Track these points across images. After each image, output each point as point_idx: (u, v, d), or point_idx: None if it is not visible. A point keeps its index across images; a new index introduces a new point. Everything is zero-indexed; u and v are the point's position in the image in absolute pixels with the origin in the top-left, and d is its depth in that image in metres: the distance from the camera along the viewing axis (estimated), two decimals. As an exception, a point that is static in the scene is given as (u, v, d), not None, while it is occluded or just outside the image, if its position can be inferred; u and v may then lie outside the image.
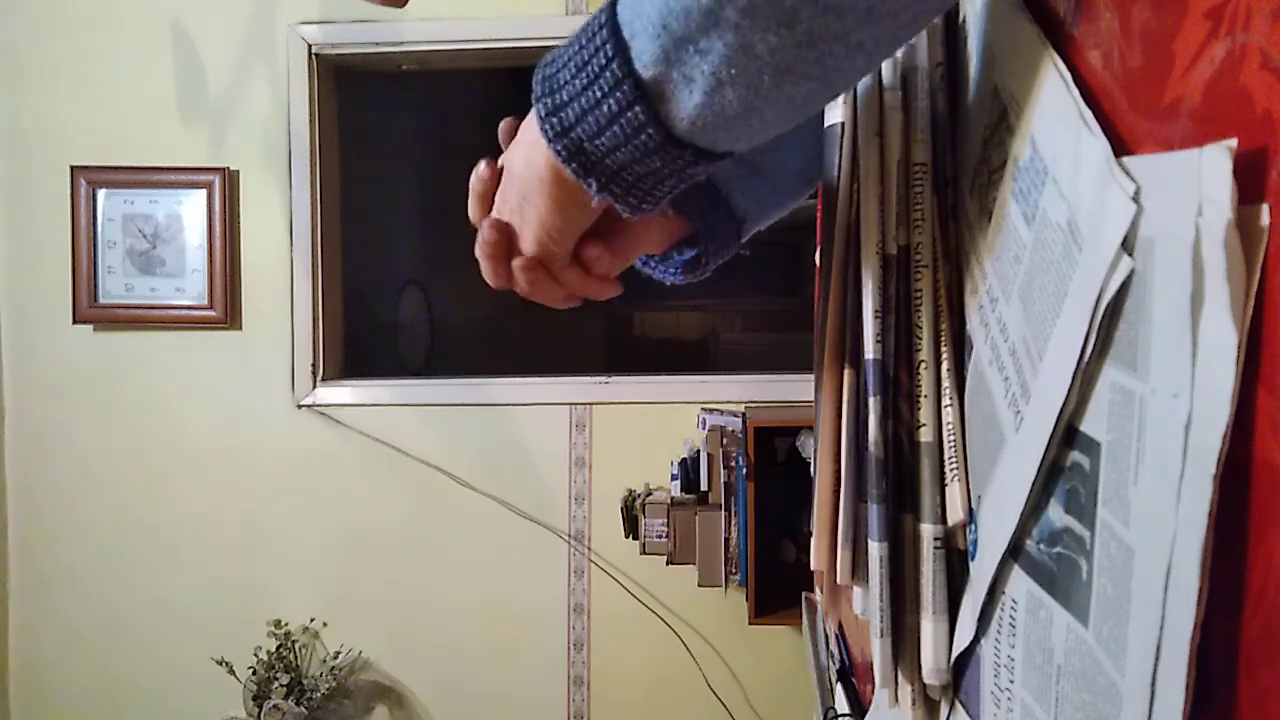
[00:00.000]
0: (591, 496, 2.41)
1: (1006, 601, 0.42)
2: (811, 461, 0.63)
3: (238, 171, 2.43)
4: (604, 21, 0.37)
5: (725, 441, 2.17)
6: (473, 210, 0.50)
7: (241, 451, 2.46)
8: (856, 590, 0.55)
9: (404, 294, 3.44)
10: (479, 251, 0.50)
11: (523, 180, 0.44)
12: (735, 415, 2.25)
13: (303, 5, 2.40)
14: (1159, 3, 0.31)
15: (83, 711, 2.52)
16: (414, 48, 2.41)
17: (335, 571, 2.47)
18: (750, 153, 0.61)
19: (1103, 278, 0.30)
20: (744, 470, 2.08)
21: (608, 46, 0.36)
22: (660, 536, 2.20)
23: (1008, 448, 0.40)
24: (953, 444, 0.47)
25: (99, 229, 2.42)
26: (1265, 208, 0.25)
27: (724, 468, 2.16)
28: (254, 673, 2.33)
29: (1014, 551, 0.40)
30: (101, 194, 2.42)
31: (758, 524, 2.07)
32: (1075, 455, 0.34)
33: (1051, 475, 0.36)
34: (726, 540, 2.14)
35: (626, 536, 2.30)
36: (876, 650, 0.51)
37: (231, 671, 2.32)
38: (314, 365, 2.44)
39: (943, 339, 0.48)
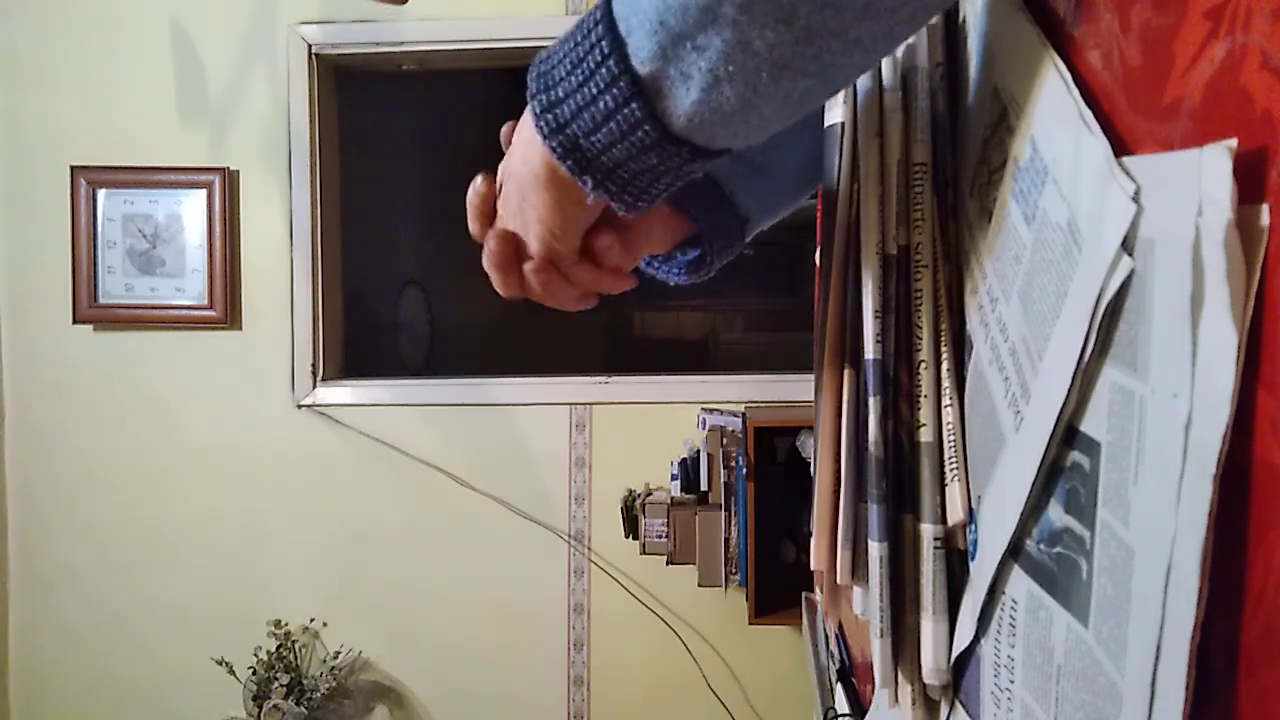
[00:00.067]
0: (591, 496, 2.41)
1: (1006, 601, 0.42)
2: (811, 461, 0.63)
3: (238, 171, 2.43)
4: (600, 18, 0.36)
5: (725, 441, 2.17)
6: (473, 226, 0.50)
7: (241, 451, 2.46)
8: (856, 590, 0.55)
9: (404, 294, 3.44)
10: (487, 263, 0.50)
11: (521, 180, 0.44)
12: (735, 415, 2.25)
13: (303, 5, 2.40)
14: (1159, 3, 0.31)
15: (83, 711, 2.52)
16: (414, 48, 2.41)
17: (335, 571, 2.47)
18: (753, 151, 0.61)
19: (1103, 278, 0.30)
20: (744, 470, 2.08)
21: (604, 43, 0.36)
22: (660, 536, 2.20)
23: (1008, 448, 0.40)
24: (953, 444, 0.47)
25: (99, 229, 2.42)
26: (1265, 208, 0.25)
27: (724, 468, 2.16)
28: (254, 673, 2.33)
29: (1014, 551, 0.40)
30: (101, 194, 2.42)
31: (758, 524, 2.07)
32: (1075, 455, 0.34)
33: (1051, 475, 0.36)
34: (726, 540, 2.14)
35: (626, 536, 2.30)
36: (876, 650, 0.51)
37: (231, 671, 2.33)
38: (314, 365, 2.44)
39: (943, 339, 0.48)
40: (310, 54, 2.40)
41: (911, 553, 0.49)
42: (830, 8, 0.32)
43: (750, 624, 2.13)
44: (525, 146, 0.43)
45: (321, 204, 2.44)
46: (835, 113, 0.54)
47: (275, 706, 2.24)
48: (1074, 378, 0.33)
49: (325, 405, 2.44)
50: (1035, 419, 0.37)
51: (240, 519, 2.47)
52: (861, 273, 0.50)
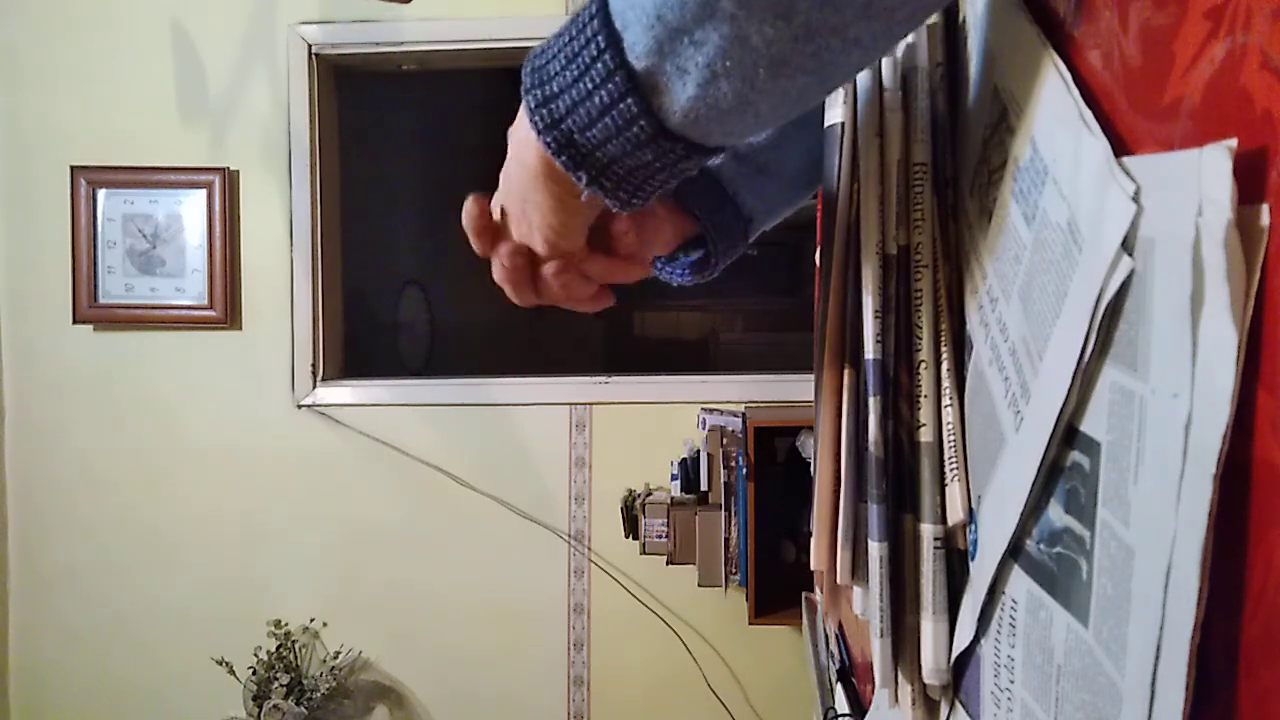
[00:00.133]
0: (591, 496, 2.41)
1: (1006, 601, 0.42)
2: (811, 461, 0.63)
3: (238, 171, 2.43)
4: (595, 12, 0.36)
5: (725, 441, 2.17)
6: (476, 246, 0.50)
7: (241, 451, 2.46)
8: (856, 590, 0.55)
9: (404, 294, 3.44)
10: (500, 279, 0.50)
11: (519, 181, 0.44)
12: (735, 415, 2.25)
13: (303, 5, 2.40)
14: (1159, 3, 0.31)
15: (83, 711, 2.52)
16: (414, 48, 2.41)
17: (335, 571, 2.47)
18: (755, 151, 0.61)
19: (1103, 278, 0.30)
20: (744, 470, 2.08)
21: (599, 38, 0.36)
22: (660, 536, 2.20)
23: (1008, 448, 0.40)
24: (953, 444, 0.47)
25: (99, 229, 2.42)
26: (1265, 208, 0.25)
27: (724, 468, 2.16)
28: (254, 673, 2.33)
29: (1014, 551, 0.40)
30: (101, 194, 2.42)
31: (758, 524, 2.07)
32: (1075, 455, 0.34)
33: (1051, 475, 0.36)
34: (726, 540, 2.14)
35: (626, 536, 2.30)
36: (876, 650, 0.51)
37: (231, 671, 2.33)
38: (314, 365, 2.44)
39: (943, 339, 0.48)
40: (310, 54, 2.40)
41: (911, 553, 0.49)
42: (830, 5, 0.32)
43: (750, 624, 2.13)
44: (521, 146, 0.42)
45: (321, 204, 2.44)
46: (835, 112, 0.54)
47: (275, 706, 2.24)
48: (1074, 378, 0.33)
49: (325, 405, 2.44)
50: (1035, 419, 0.37)
51: (240, 519, 2.47)
52: (861, 273, 0.50)
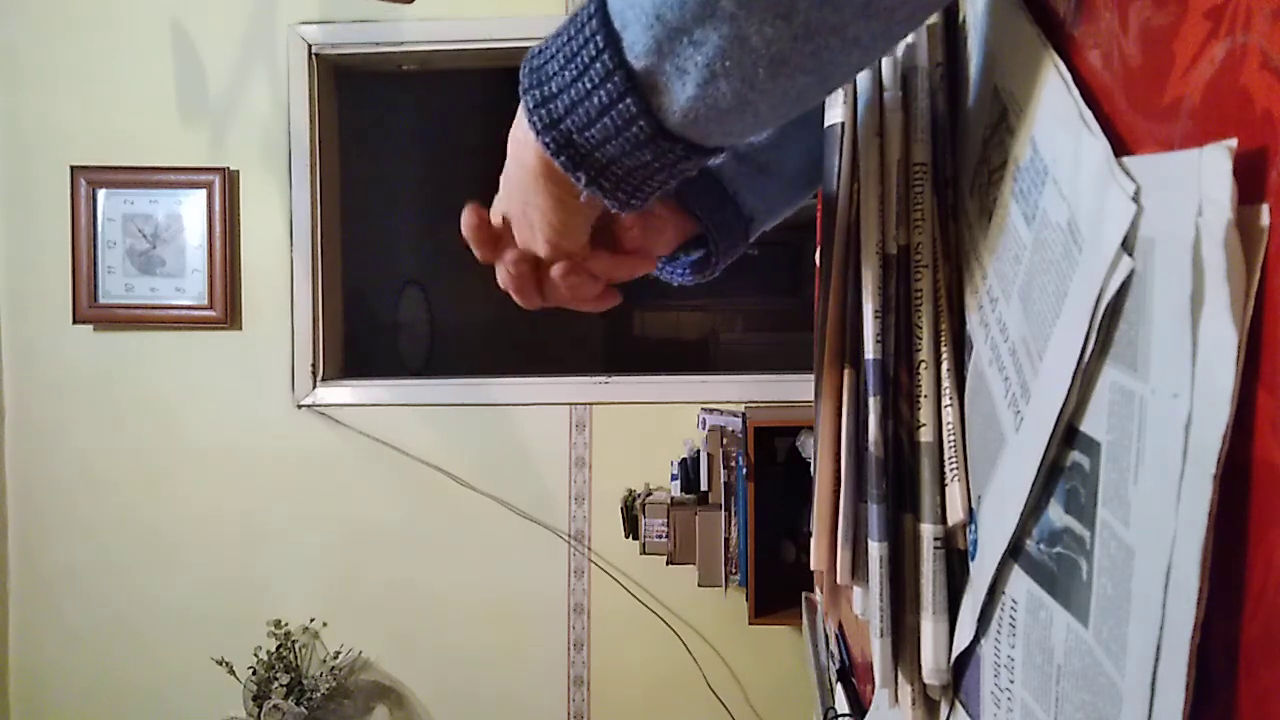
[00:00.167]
0: (591, 496, 2.41)
1: (1006, 601, 0.42)
2: (811, 461, 0.63)
3: (238, 171, 2.43)
4: (593, 12, 0.36)
5: (725, 441, 2.17)
6: (480, 255, 0.50)
7: (241, 451, 2.46)
8: (856, 590, 0.55)
9: (404, 294, 3.44)
10: (506, 284, 0.50)
11: (519, 182, 0.44)
12: (735, 415, 2.25)
13: (303, 5, 2.40)
14: (1159, 3, 0.31)
15: (83, 711, 2.52)
16: (414, 48, 2.41)
17: (335, 571, 2.47)
18: (756, 151, 0.61)
19: (1103, 278, 0.30)
20: (744, 470, 2.08)
21: (598, 37, 0.35)
22: (660, 536, 2.20)
23: (1008, 448, 0.40)
24: (953, 444, 0.47)
25: (99, 229, 2.42)
26: (1265, 208, 0.25)
27: (724, 468, 2.16)
28: (254, 673, 2.33)
29: (1014, 551, 0.40)
30: (101, 194, 2.42)
31: (758, 524, 2.07)
32: (1075, 455, 0.34)
33: (1051, 475, 0.36)
34: (726, 540, 2.14)
35: (626, 536, 2.30)
36: (876, 650, 0.51)
37: (231, 671, 2.33)
38: (314, 365, 2.44)
39: (943, 339, 0.48)
40: (310, 54, 2.40)
41: (911, 553, 0.49)
42: (829, 5, 0.32)
43: (750, 624, 2.13)
44: (519, 146, 0.42)
45: (321, 204, 2.44)
46: (835, 112, 0.54)
47: (275, 706, 2.24)
48: (1074, 378, 0.33)
49: (325, 405, 2.44)
50: (1035, 419, 0.37)
51: (240, 519, 2.47)
52: (861, 273, 0.50)
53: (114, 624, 2.50)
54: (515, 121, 0.42)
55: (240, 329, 2.46)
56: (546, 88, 0.38)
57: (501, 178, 0.47)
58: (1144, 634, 0.28)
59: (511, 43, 2.36)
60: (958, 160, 0.49)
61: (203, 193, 2.41)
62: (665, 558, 2.21)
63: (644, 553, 2.24)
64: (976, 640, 0.45)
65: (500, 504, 2.41)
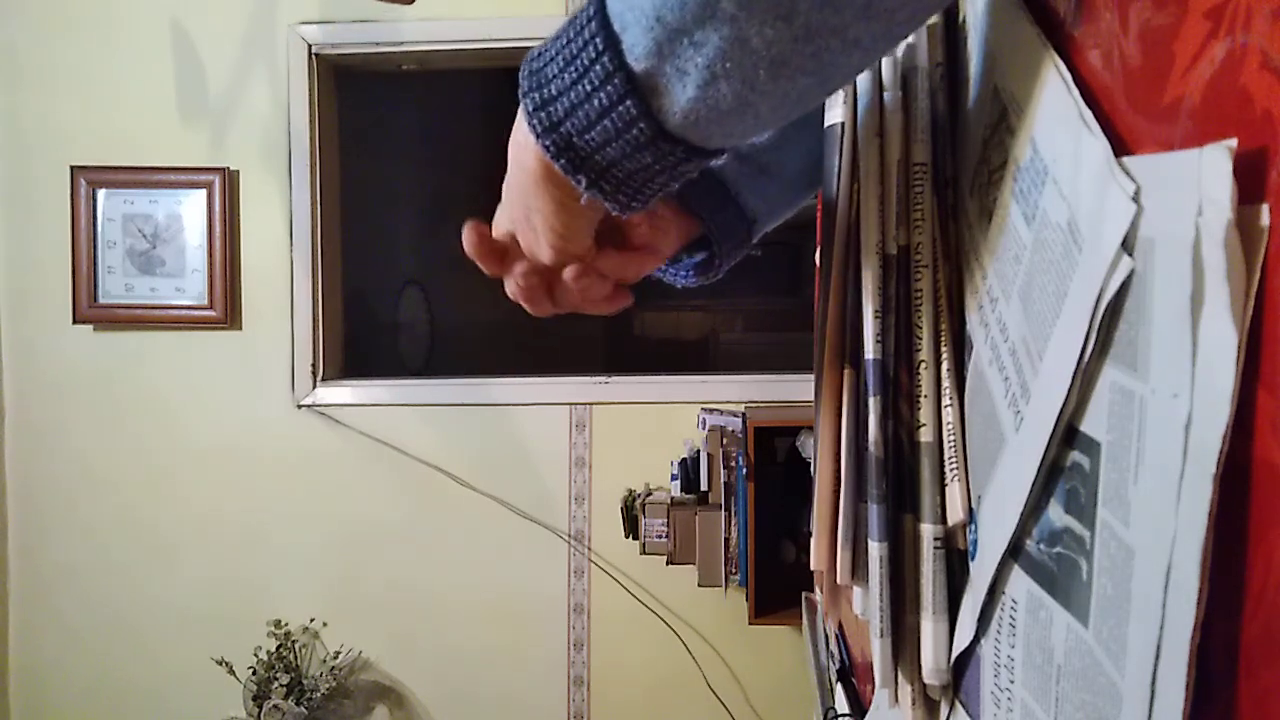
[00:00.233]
0: (591, 496, 2.41)
1: (1006, 601, 0.42)
2: (811, 461, 0.63)
3: (238, 171, 2.43)
4: (593, 14, 0.36)
5: (725, 441, 2.17)
6: (488, 270, 0.50)
7: (241, 451, 2.46)
8: (856, 590, 0.55)
9: (404, 294, 3.44)
10: (515, 295, 0.50)
11: (520, 186, 0.44)
12: (735, 415, 2.25)
13: (303, 5, 2.40)
14: (1159, 3, 0.31)
15: (83, 711, 2.52)
16: (414, 48, 2.41)
17: (335, 571, 2.47)
18: (757, 152, 0.61)
19: (1103, 278, 0.30)
20: (744, 470, 2.08)
21: (597, 39, 0.35)
22: (660, 536, 2.20)
23: (1008, 448, 0.40)
24: (953, 444, 0.47)
25: (99, 229, 2.42)
26: (1265, 208, 0.25)
27: (724, 468, 2.16)
28: (254, 673, 2.33)
29: (1014, 551, 0.40)
30: (101, 194, 2.42)
31: (758, 524, 2.07)
32: (1075, 455, 0.34)
33: (1051, 475, 0.36)
34: (726, 540, 2.14)
35: (626, 536, 2.30)
36: (876, 650, 0.51)
37: (231, 671, 2.33)
38: (314, 365, 2.45)
39: (943, 339, 0.48)
40: (310, 54, 2.40)
41: (911, 553, 0.49)
42: (830, 6, 0.32)
43: (750, 624, 2.13)
44: (519, 149, 0.42)
45: (321, 204, 2.44)
46: (835, 112, 0.54)
47: (275, 706, 2.24)
48: (1074, 378, 0.33)
49: (325, 405, 2.44)
50: (1035, 419, 0.37)
51: (240, 519, 2.47)
52: (861, 273, 0.50)
53: (114, 624, 2.50)
54: (515, 125, 0.42)
55: (240, 329, 2.46)
56: (546, 90, 0.38)
57: (504, 186, 0.47)
58: (1144, 634, 0.28)
59: (511, 43, 2.36)
60: (958, 160, 0.49)
61: (203, 193, 2.41)
62: (665, 558, 2.21)
63: (644, 553, 2.24)
64: (976, 640, 0.45)
65: (500, 504, 2.41)
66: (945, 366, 0.48)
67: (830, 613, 0.84)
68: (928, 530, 0.47)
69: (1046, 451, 0.36)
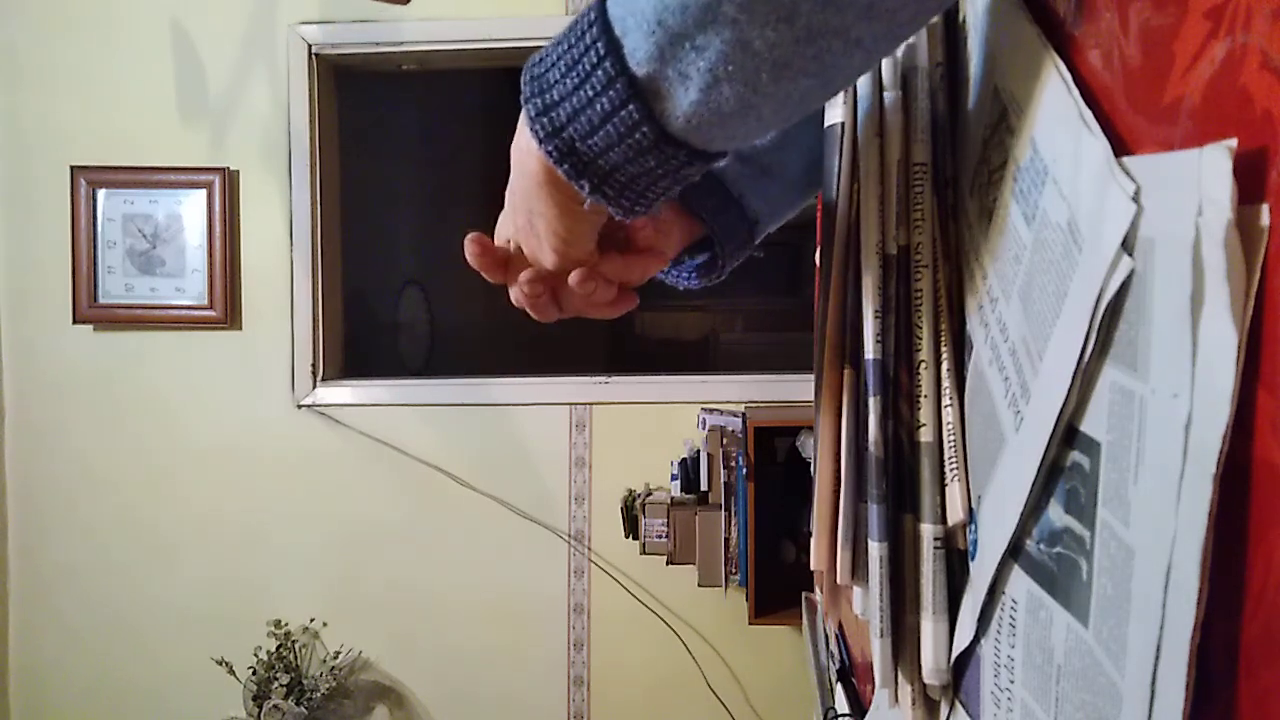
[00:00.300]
0: (591, 496, 2.41)
1: (1006, 601, 0.42)
2: (811, 461, 0.63)
3: (238, 171, 2.43)
4: (594, 19, 0.36)
5: (725, 441, 2.17)
6: (490, 279, 0.50)
7: (241, 451, 2.46)
8: (856, 590, 0.55)
9: (404, 294, 3.43)
10: (520, 303, 0.50)
11: (524, 192, 0.44)
12: (735, 415, 2.25)
13: (303, 5, 2.40)
14: (1159, 3, 0.31)
15: (83, 711, 2.52)
16: (414, 48, 2.41)
17: (335, 571, 2.47)
18: (759, 153, 0.61)
19: (1103, 278, 0.30)
20: (744, 470, 2.08)
21: (599, 44, 0.35)
22: (660, 536, 2.20)
23: (1008, 448, 0.40)
24: (953, 444, 0.47)
25: (99, 229, 2.42)
26: (1265, 208, 0.25)
27: (724, 468, 2.16)
28: (254, 673, 2.33)
29: (1014, 551, 0.40)
30: (101, 194, 2.42)
31: (758, 524, 2.07)
32: (1075, 455, 0.34)
33: (1051, 475, 0.36)
34: (726, 540, 2.14)
35: (626, 536, 2.30)
36: (876, 650, 0.51)
37: (231, 671, 2.33)
38: (314, 365, 2.44)
39: (943, 339, 0.48)
40: (310, 54, 2.40)
41: (911, 553, 0.49)
42: (832, 7, 0.32)
43: (750, 624, 2.13)
44: (522, 154, 0.42)
45: (321, 204, 2.44)
46: (835, 113, 0.54)
47: (275, 706, 2.24)
48: (1074, 378, 0.33)
49: (325, 405, 2.44)
50: (1035, 419, 0.37)
51: (240, 519, 2.47)
52: (861, 273, 0.50)
53: (114, 624, 2.50)
54: (517, 131, 0.42)
55: (240, 329, 2.46)
56: (548, 96, 0.38)
57: (506, 192, 0.47)
58: (1144, 634, 0.28)
59: (511, 43, 2.36)
60: (958, 160, 0.49)
61: (203, 193, 2.41)
62: (665, 558, 2.21)
63: (644, 553, 2.24)
64: (976, 640, 0.45)
65: (500, 504, 2.41)
66: (945, 366, 0.48)
67: (830, 613, 0.84)
68: (928, 530, 0.47)
69: (1046, 451, 0.36)
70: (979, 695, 0.46)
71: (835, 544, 0.54)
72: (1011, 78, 0.41)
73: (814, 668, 1.43)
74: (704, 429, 2.25)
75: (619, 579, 2.39)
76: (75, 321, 2.43)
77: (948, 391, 0.48)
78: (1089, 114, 0.34)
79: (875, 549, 0.49)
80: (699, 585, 2.18)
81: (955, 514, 0.46)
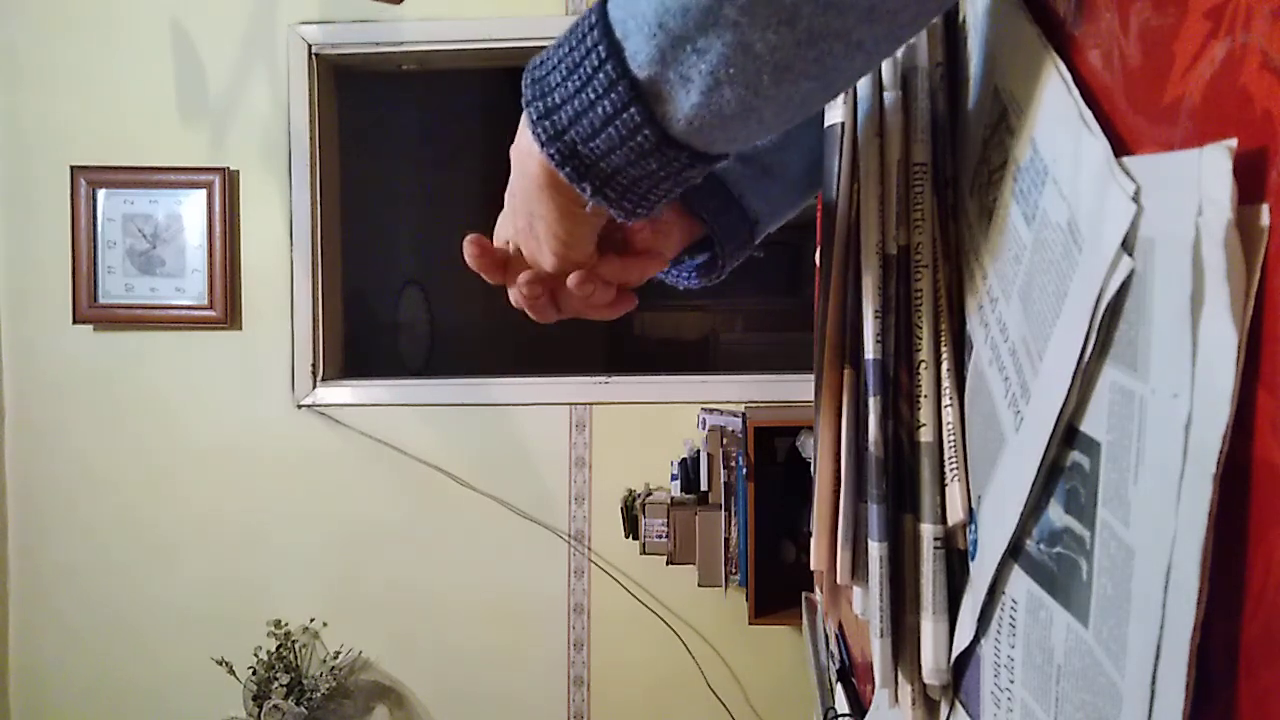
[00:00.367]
0: (591, 496, 2.41)
1: (1006, 601, 0.42)
2: (811, 461, 0.63)
3: (238, 171, 2.43)
4: (595, 22, 0.36)
5: (725, 441, 2.17)
6: (489, 280, 0.50)
7: (241, 451, 2.46)
8: (856, 590, 0.55)
9: (404, 294, 3.43)
10: (519, 304, 0.50)
11: (524, 194, 0.44)
12: (735, 415, 2.25)
13: (303, 5, 2.40)
14: (1159, 3, 0.31)
15: (83, 711, 2.52)
16: (414, 48, 2.41)
17: (335, 571, 2.47)
18: (760, 153, 0.61)
19: (1103, 278, 0.30)
20: (744, 470, 2.08)
21: (600, 47, 0.35)
22: (660, 536, 2.20)
23: (1008, 448, 0.40)
24: (953, 444, 0.47)
25: (99, 229, 2.42)
26: (1265, 208, 0.25)
27: (724, 468, 2.16)
28: (254, 673, 2.33)
29: (1014, 551, 0.40)
30: (101, 194, 2.42)
31: (758, 524, 2.07)
32: (1075, 455, 0.34)
33: (1051, 475, 0.36)
34: (726, 540, 2.14)
35: (626, 536, 2.30)
36: (876, 650, 0.51)
37: (231, 671, 2.33)
38: (314, 365, 2.44)
39: (943, 339, 0.48)
40: (310, 54, 2.40)
41: (911, 553, 0.49)
42: (833, 9, 0.32)
43: (750, 624, 2.13)
44: (523, 157, 0.42)
45: (321, 204, 2.44)
46: (835, 113, 0.54)
47: (275, 706, 2.24)
48: (1074, 378, 0.33)
49: (325, 405, 2.44)
50: (1035, 419, 0.37)
51: (240, 519, 2.47)
52: (861, 273, 0.50)
53: (114, 624, 2.50)
54: (518, 133, 0.42)
55: (240, 329, 2.46)
56: (550, 99, 0.38)
57: (506, 194, 0.47)
58: (1144, 634, 0.28)
59: (511, 43, 2.35)
60: (958, 160, 0.49)
61: (203, 193, 2.41)
62: (665, 558, 2.21)
63: (644, 553, 2.24)
64: (976, 640, 0.45)
65: (500, 504, 2.41)
66: (945, 366, 0.48)
67: (830, 613, 0.84)
68: (928, 530, 0.47)
69: (1046, 451, 0.36)
70: (979, 695, 0.46)
71: (835, 544, 0.54)
72: (1011, 78, 0.41)
73: (814, 668, 1.43)
74: (704, 429, 2.25)
75: (619, 579, 2.39)
76: (75, 321, 2.43)
77: (948, 391, 0.48)
78: (1089, 114, 0.34)
79: (875, 549, 0.49)
80: (699, 585, 2.18)
81: (955, 514, 0.46)
